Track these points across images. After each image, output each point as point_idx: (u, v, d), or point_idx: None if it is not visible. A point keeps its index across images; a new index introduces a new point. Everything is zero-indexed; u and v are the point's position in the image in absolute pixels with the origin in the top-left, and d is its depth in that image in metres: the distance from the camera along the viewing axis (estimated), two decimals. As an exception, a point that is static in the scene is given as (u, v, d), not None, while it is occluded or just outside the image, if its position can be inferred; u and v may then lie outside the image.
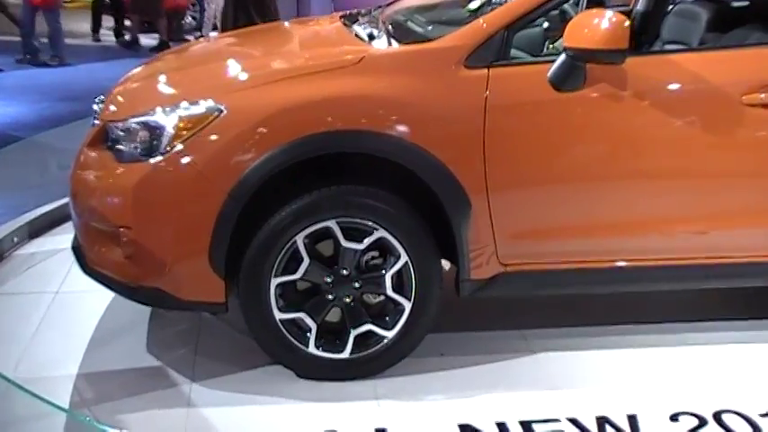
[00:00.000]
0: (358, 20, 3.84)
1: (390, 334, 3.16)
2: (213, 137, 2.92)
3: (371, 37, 3.40)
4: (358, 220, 3.02)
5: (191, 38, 12.63)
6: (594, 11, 3.00)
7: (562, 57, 3.00)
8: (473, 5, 3.79)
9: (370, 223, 3.03)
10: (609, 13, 2.93)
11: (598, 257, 3.24)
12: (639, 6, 4.48)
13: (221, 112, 2.94)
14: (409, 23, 3.58)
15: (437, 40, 3.11)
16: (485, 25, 3.07)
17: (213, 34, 11.66)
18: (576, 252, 3.22)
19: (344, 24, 3.78)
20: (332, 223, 3.02)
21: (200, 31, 13.27)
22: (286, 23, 4.47)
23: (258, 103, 2.95)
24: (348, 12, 4.16)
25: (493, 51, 3.03)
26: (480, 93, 2.99)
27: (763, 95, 3.09)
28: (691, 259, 3.28)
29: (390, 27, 3.50)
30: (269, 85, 3.03)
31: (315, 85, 2.98)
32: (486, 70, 3.01)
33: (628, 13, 4.51)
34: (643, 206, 3.17)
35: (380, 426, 2.91)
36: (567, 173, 3.11)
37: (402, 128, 2.95)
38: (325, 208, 3.00)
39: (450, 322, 3.52)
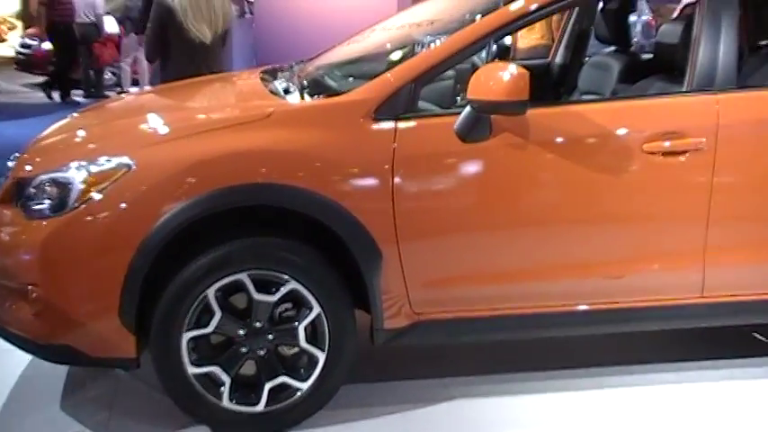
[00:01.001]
0: (277, 75, 3.90)
1: (305, 386, 3.15)
2: (122, 192, 2.93)
3: (286, 92, 3.46)
4: (269, 273, 3.04)
5: (111, 93, 12.55)
6: (497, 64, 3.08)
7: (467, 108, 3.07)
8: (395, 57, 3.86)
9: (281, 275, 3.04)
10: (511, 66, 3.00)
11: (511, 304, 3.28)
12: (557, 59, 4.63)
13: (130, 167, 2.96)
14: (325, 78, 3.64)
15: (345, 94, 3.17)
16: (392, 79, 3.14)
17: (134, 89, 11.56)
18: (490, 299, 3.26)
19: (263, 79, 3.83)
20: (243, 276, 3.02)
21: (120, 87, 13.13)
22: (206, 78, 4.51)
23: (167, 159, 2.97)
24: (270, 66, 4.22)
25: (401, 104, 3.10)
26: (388, 144, 3.05)
27: (663, 144, 3.19)
28: (602, 303, 3.33)
29: (305, 82, 3.56)
30: (178, 140, 3.06)
31: (223, 139, 3.02)
32: (393, 123, 3.08)
33: (547, 65, 4.67)
34: (551, 252, 3.23)
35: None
36: (476, 221, 3.16)
37: (310, 180, 2.98)
38: (236, 261, 3.01)
39: (371, 371, 3.53)
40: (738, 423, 3.28)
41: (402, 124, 3.08)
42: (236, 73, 4.32)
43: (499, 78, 2.97)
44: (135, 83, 12.88)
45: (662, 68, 3.67)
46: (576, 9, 4.56)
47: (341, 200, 3.00)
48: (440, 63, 3.16)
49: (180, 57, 5.23)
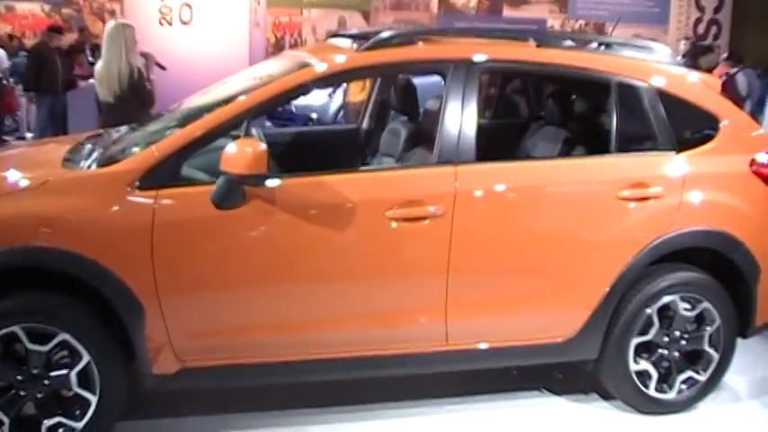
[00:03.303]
0: (89, 143, 4.19)
1: (79, 425, 3.50)
2: None
3: (80, 160, 3.83)
4: (40, 325, 3.40)
5: (9, 138, 12.96)
6: (245, 140, 3.44)
7: (221, 179, 3.46)
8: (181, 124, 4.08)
9: (51, 328, 3.40)
10: (254, 143, 3.39)
11: (275, 352, 3.65)
12: (364, 125, 5.08)
13: None
14: (118, 148, 3.91)
15: (114, 165, 3.55)
16: (156, 152, 3.52)
17: (29, 135, 12.06)
18: (253, 348, 3.63)
19: (79, 144, 4.19)
20: (16, 328, 3.38)
21: (19, 132, 13.48)
22: (48, 141, 4.83)
23: None
24: (94, 132, 4.60)
25: (164, 174, 3.47)
26: (149, 211, 3.42)
27: (403, 211, 3.56)
28: (364, 351, 3.71)
29: (102, 150, 3.93)
30: None
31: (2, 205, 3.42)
32: (155, 191, 3.45)
33: (356, 130, 5.12)
34: (300, 307, 3.61)
35: None
36: (231, 280, 3.54)
37: (75, 243, 3.34)
38: (8, 315, 3.37)
39: (157, 408, 3.92)
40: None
41: (164, 192, 3.45)
42: (66, 138, 4.70)
43: (244, 153, 3.35)
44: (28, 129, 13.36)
45: (425, 139, 4.09)
46: (378, 81, 5.03)
47: (103, 260, 3.36)
48: (199, 138, 3.54)
49: (101, 112, 6.58)
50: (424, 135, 4.27)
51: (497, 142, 4.25)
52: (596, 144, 4.07)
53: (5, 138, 12.81)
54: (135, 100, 6.35)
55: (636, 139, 3.93)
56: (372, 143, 4.90)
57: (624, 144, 3.89)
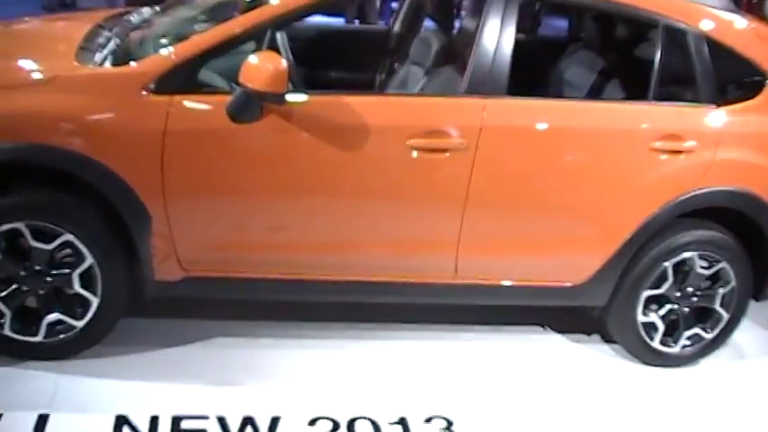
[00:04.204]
0: (106, 29, 4.00)
1: (80, 324, 3.51)
2: None
3: (95, 50, 3.65)
4: (45, 224, 3.34)
5: None
6: (266, 54, 3.24)
7: (238, 90, 3.28)
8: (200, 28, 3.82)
9: (56, 227, 3.34)
10: (276, 59, 3.20)
11: (275, 270, 3.60)
12: (396, 28, 4.84)
13: None
14: (142, 38, 3.78)
15: (130, 66, 3.38)
16: (173, 56, 3.35)
17: None
18: (253, 263, 3.59)
19: (99, 26, 4.00)
20: (21, 225, 3.33)
21: None
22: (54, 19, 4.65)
23: None
24: (117, 12, 4.38)
25: (179, 80, 3.31)
26: (161, 117, 3.28)
27: (426, 141, 3.42)
28: (359, 276, 3.67)
29: (119, 41, 3.75)
30: None
31: (10, 98, 3.27)
32: (170, 96, 3.30)
33: (387, 32, 4.88)
34: (308, 227, 3.54)
35: (45, 411, 3.27)
36: (241, 194, 3.44)
37: (82, 144, 3.23)
38: (13, 211, 3.31)
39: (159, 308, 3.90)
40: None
41: (178, 98, 3.30)
42: (84, 16, 4.47)
43: (264, 69, 3.17)
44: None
45: (457, 59, 3.87)
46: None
47: (110, 164, 3.25)
48: (220, 44, 3.34)
49: None
50: (456, 53, 4.05)
51: (531, 62, 4.04)
52: (632, 82, 3.86)
53: None
54: None
55: (675, 87, 3.69)
56: (402, 48, 4.67)
57: (663, 90, 3.65)
